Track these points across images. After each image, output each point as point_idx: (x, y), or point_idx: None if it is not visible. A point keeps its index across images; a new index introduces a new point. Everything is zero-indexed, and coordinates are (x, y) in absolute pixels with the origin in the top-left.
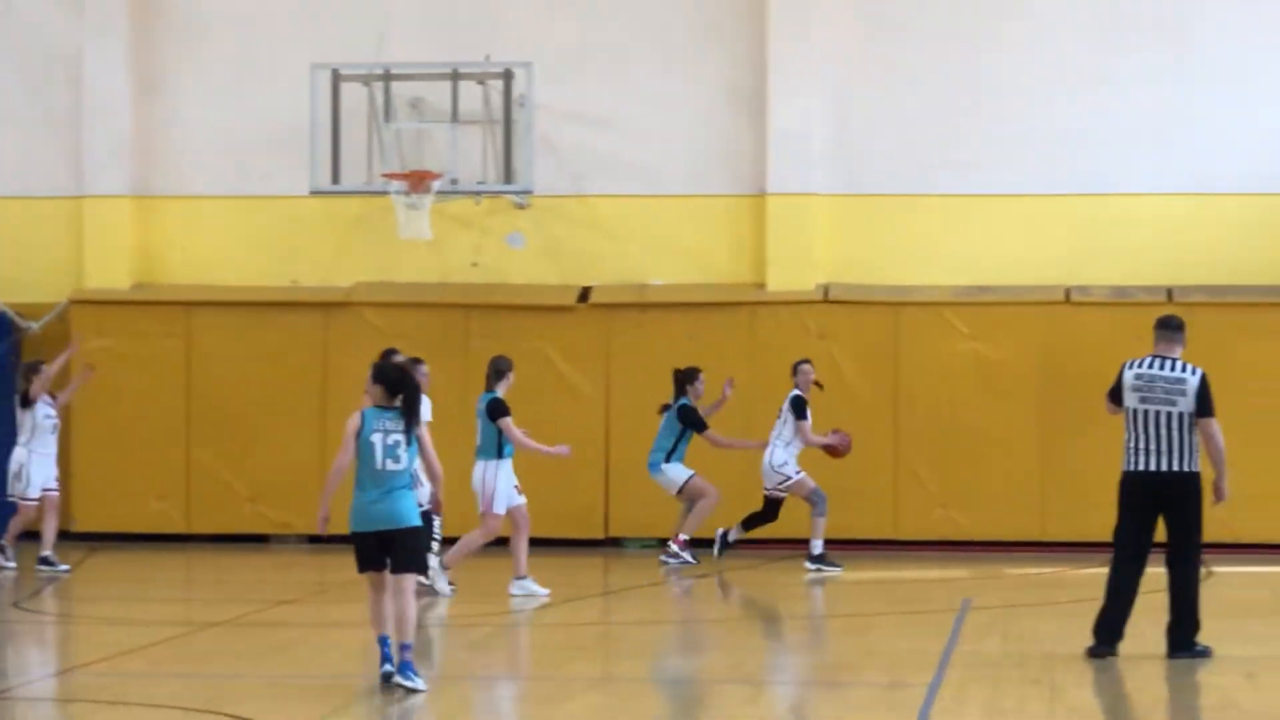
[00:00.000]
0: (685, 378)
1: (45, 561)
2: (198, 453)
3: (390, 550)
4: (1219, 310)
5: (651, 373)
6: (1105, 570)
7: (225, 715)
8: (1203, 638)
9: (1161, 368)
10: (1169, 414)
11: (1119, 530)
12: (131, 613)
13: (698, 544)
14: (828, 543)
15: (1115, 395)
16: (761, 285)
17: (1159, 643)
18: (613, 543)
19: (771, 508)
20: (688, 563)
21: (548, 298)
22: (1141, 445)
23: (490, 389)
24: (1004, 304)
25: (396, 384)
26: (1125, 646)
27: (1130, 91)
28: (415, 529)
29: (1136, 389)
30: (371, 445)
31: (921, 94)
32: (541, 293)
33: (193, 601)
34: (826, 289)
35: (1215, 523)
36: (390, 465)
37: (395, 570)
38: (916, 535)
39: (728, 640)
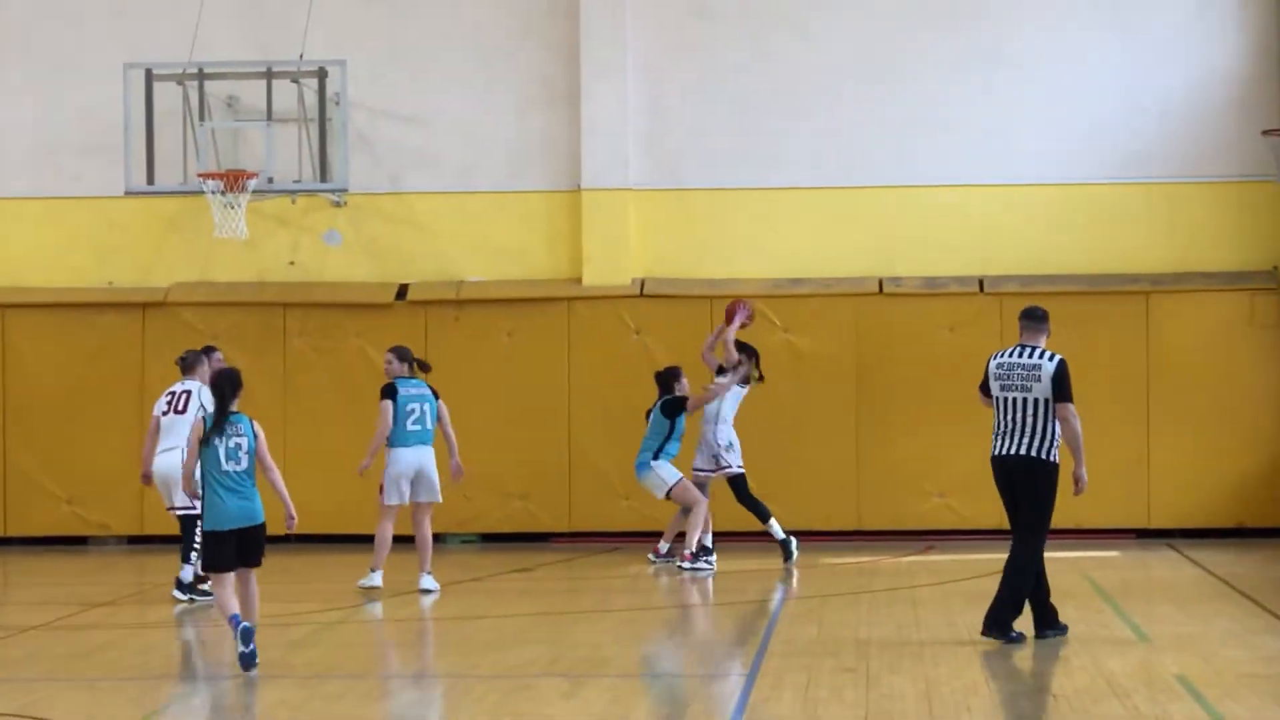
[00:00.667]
0: (670, 376)
1: None
2: (13, 454)
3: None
4: (1029, 300)
5: (470, 369)
6: (919, 558)
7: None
8: (1017, 623)
9: (1021, 355)
10: (1024, 400)
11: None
12: None
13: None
14: (645, 536)
15: (984, 387)
16: (578, 280)
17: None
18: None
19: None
20: (706, 568)
21: (365, 295)
22: (999, 430)
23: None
24: (817, 295)
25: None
26: (949, 632)
27: (938, 83)
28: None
29: (998, 377)
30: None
31: (733, 88)
32: (359, 290)
33: (8, 605)
34: (642, 283)
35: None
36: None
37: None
38: (734, 527)
39: (549, 634)
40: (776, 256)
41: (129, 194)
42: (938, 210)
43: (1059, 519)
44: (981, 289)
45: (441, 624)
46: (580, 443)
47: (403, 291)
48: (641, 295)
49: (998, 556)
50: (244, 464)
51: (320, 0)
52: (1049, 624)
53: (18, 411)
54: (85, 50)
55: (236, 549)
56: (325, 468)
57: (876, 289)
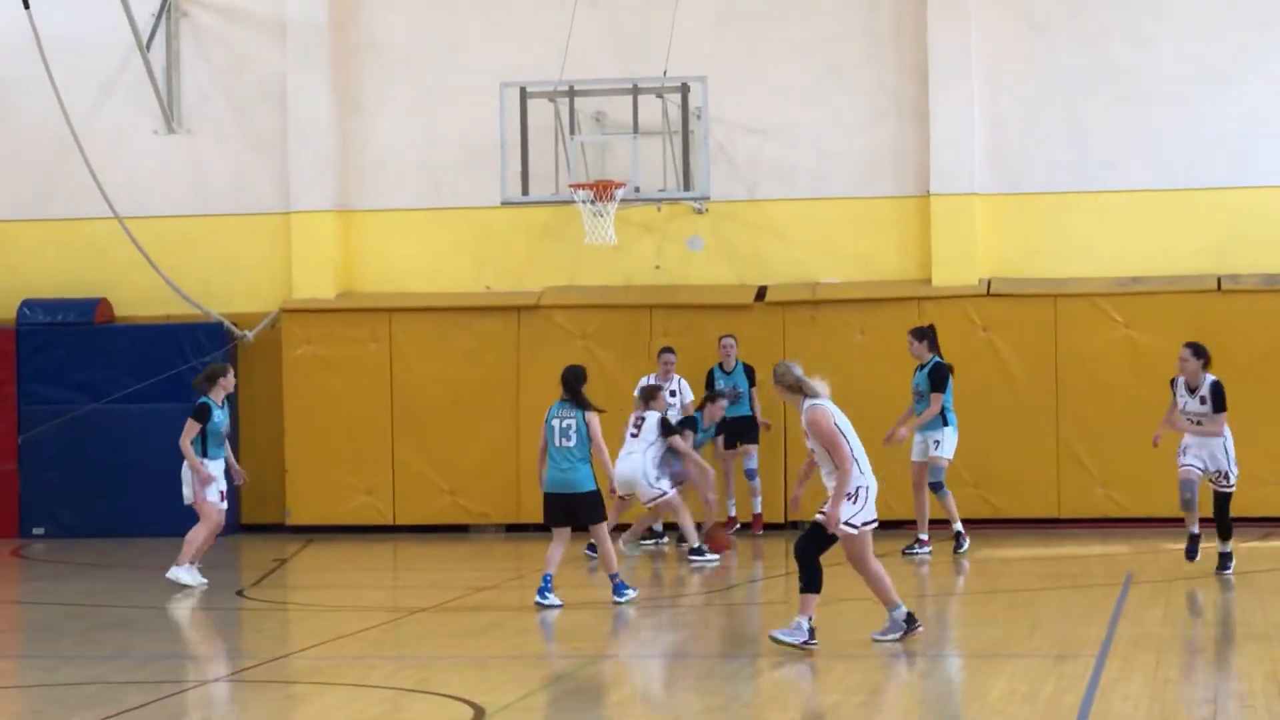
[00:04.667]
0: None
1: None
2: (401, 449)
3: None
4: None
5: (824, 366)
6: (1260, 544)
7: (436, 694)
8: None
9: None
10: None
11: None
12: (344, 600)
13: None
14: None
15: None
16: (927, 281)
17: None
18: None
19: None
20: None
21: (726, 297)
22: None
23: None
24: (1157, 293)
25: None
26: None
27: (1272, 89)
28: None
29: None
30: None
31: (1074, 96)
32: (720, 292)
33: (400, 589)
34: (989, 283)
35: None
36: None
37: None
38: (1078, 514)
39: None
40: (1115, 256)
41: (505, 204)
42: (1276, 209)
43: None
44: None
45: None
46: None
47: (761, 293)
48: (988, 294)
49: None
50: (573, 441)
51: (681, 20)
52: None
53: (405, 409)
54: (463, 72)
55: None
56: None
57: (1215, 286)
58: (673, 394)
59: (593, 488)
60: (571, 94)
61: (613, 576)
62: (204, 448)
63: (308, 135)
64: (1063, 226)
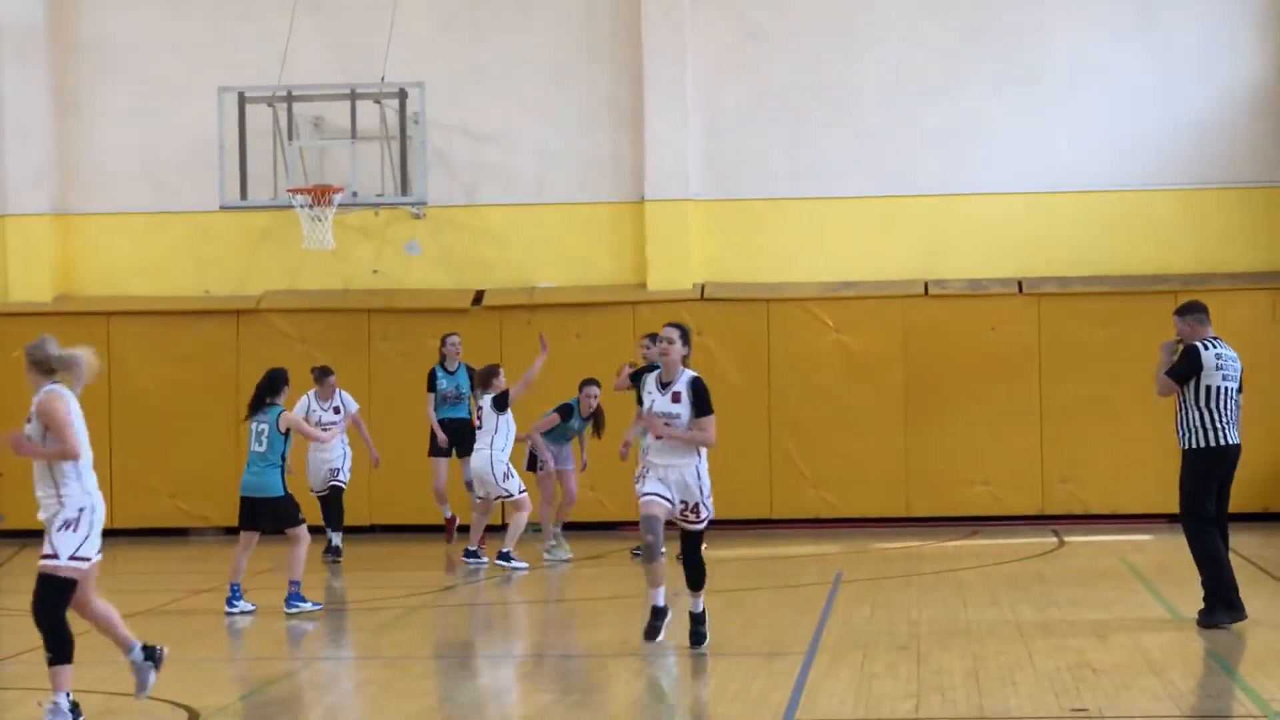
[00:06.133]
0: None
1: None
2: (120, 452)
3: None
4: (1067, 299)
5: (543, 368)
6: (965, 543)
7: (150, 698)
8: (1058, 603)
9: (1223, 347)
10: (1236, 389)
11: (1199, 501)
12: None
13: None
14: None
15: (1180, 375)
16: (643, 285)
17: (1032, 609)
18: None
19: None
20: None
21: (444, 301)
22: (1223, 420)
23: None
24: (867, 298)
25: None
26: (994, 611)
27: (981, 98)
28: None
29: (1219, 368)
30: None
31: (785, 104)
32: (438, 296)
33: (116, 592)
34: (703, 288)
35: (1068, 496)
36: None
37: None
38: (791, 514)
39: (615, 618)
40: (826, 261)
41: (224, 209)
42: (979, 217)
43: (1101, 504)
44: (1020, 290)
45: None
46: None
47: (479, 297)
48: (702, 299)
49: (1035, 541)
50: (264, 446)
51: (400, 25)
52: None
53: (125, 413)
54: (182, 75)
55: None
56: (408, 461)
57: (922, 291)
58: (337, 410)
59: (282, 493)
60: (290, 99)
61: (292, 584)
62: None
63: (23, 137)
64: (776, 232)
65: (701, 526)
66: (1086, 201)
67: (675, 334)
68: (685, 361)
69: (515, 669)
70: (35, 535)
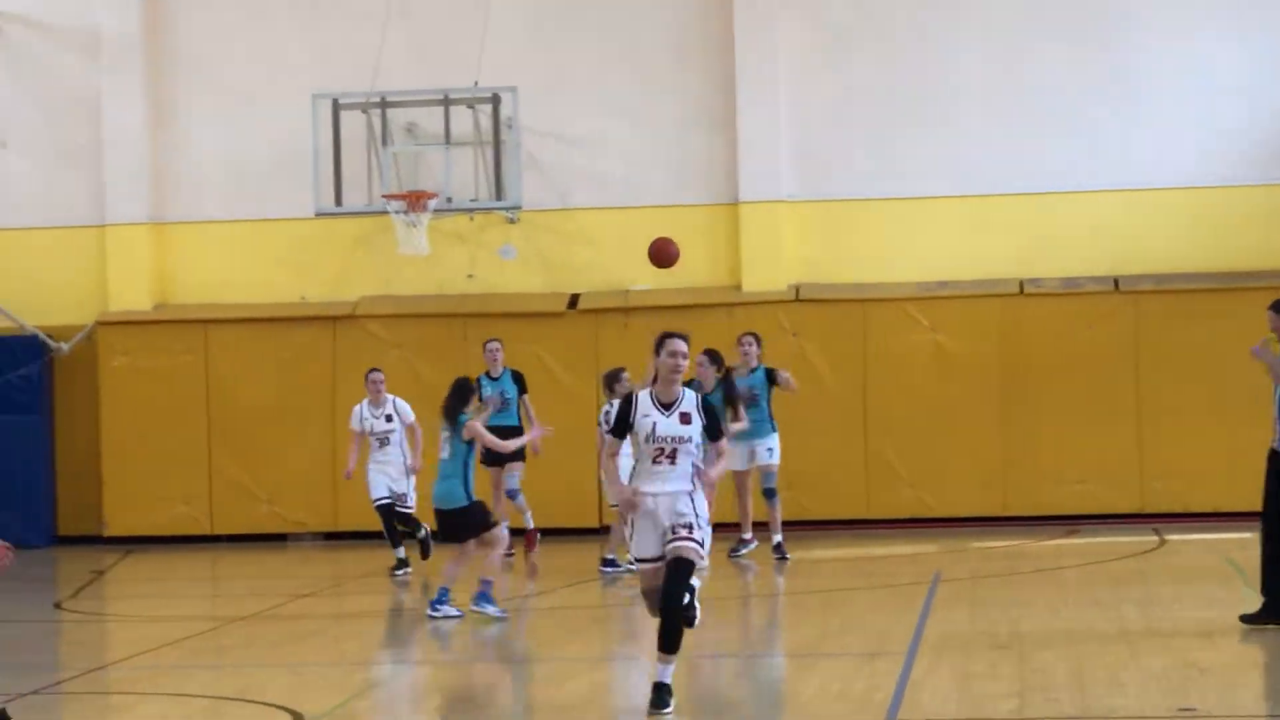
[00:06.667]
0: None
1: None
2: (218, 459)
3: None
4: (1164, 297)
5: (637, 372)
6: (1064, 542)
7: (255, 702)
8: (1161, 601)
9: None
10: None
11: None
12: (163, 610)
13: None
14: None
15: None
16: (737, 287)
17: (1134, 608)
18: (604, 529)
19: None
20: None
21: (539, 305)
22: None
23: None
24: (962, 297)
25: None
26: (1097, 610)
27: (1073, 96)
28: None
29: None
30: None
31: (878, 105)
32: (533, 300)
33: (219, 598)
34: (798, 289)
35: (1168, 494)
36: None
37: None
38: (887, 514)
39: (731, 617)
40: (921, 261)
41: (319, 215)
42: (1075, 215)
43: (1202, 502)
44: (1117, 287)
45: (613, 609)
46: None
47: (574, 301)
48: (797, 300)
49: (1136, 539)
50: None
51: (491, 32)
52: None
53: (222, 419)
54: (277, 83)
55: None
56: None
57: (1018, 290)
58: (389, 418)
59: (465, 503)
60: (384, 105)
61: (484, 582)
62: None
63: (122, 149)
64: (869, 232)
65: (693, 545)
66: (1182, 198)
67: (687, 347)
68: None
69: (611, 671)
70: (138, 542)
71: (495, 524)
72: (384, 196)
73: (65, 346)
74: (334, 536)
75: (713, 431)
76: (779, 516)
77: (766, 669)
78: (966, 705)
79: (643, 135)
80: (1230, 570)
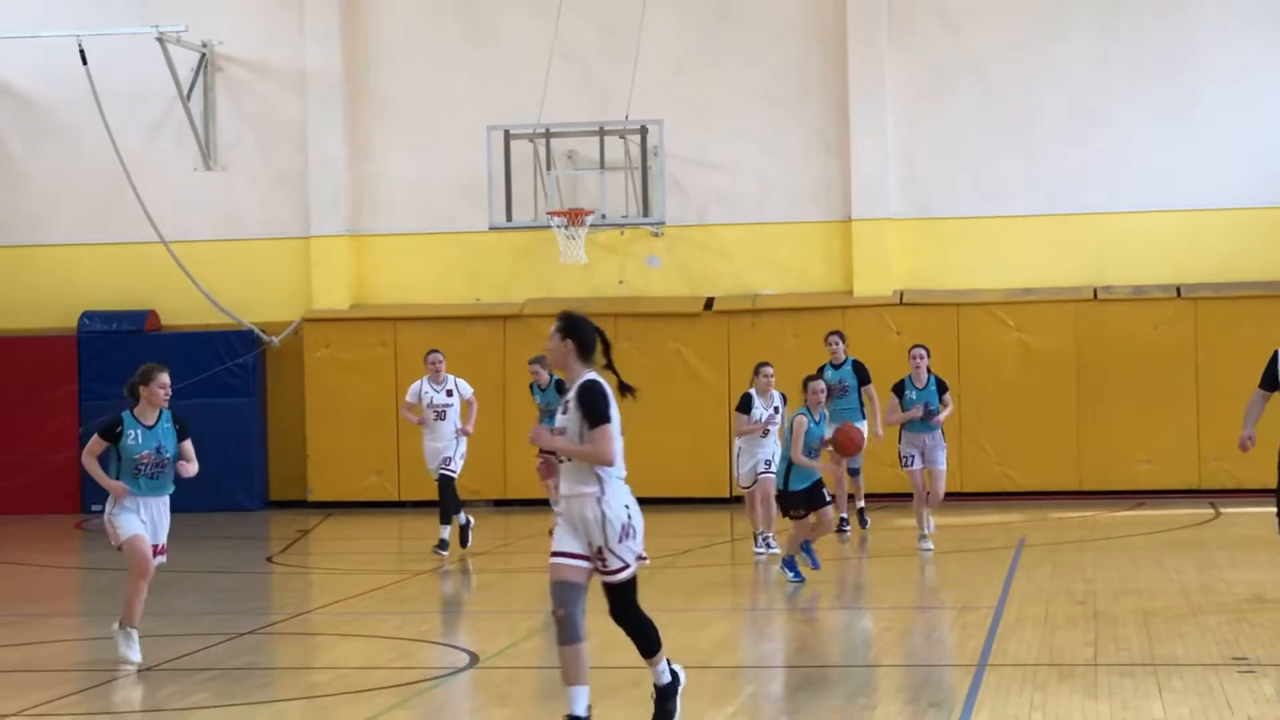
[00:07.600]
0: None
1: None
2: (405, 437)
3: None
4: (1221, 303)
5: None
6: (1131, 513)
7: (437, 643)
8: (1218, 565)
9: None
10: None
11: None
12: (358, 564)
13: None
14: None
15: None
16: (849, 293)
17: (1194, 571)
18: (736, 500)
19: None
20: None
21: (679, 307)
22: None
23: None
24: (1043, 302)
25: None
26: (1160, 573)
27: (1141, 127)
28: None
29: None
30: None
31: (973, 135)
32: (673, 303)
33: (405, 555)
34: (901, 294)
35: (1223, 473)
36: None
37: None
38: (978, 489)
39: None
40: (1009, 270)
41: (492, 229)
42: (1142, 231)
43: (1254, 479)
44: (1179, 294)
45: (745, 569)
46: None
47: (709, 304)
48: (901, 304)
49: (1194, 512)
50: None
51: (641, 70)
52: None
53: None
54: (455, 117)
55: None
56: (649, 450)
57: (1092, 296)
58: (449, 393)
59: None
60: (548, 135)
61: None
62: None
63: (324, 171)
64: (964, 246)
65: (619, 579)
66: (1236, 217)
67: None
68: (587, 361)
69: (740, 620)
70: (337, 506)
71: (831, 499)
72: (547, 213)
73: (275, 340)
74: (503, 503)
75: (590, 417)
76: (862, 489)
77: (873, 619)
78: (1047, 652)
79: (770, 160)
80: (1278, 540)
